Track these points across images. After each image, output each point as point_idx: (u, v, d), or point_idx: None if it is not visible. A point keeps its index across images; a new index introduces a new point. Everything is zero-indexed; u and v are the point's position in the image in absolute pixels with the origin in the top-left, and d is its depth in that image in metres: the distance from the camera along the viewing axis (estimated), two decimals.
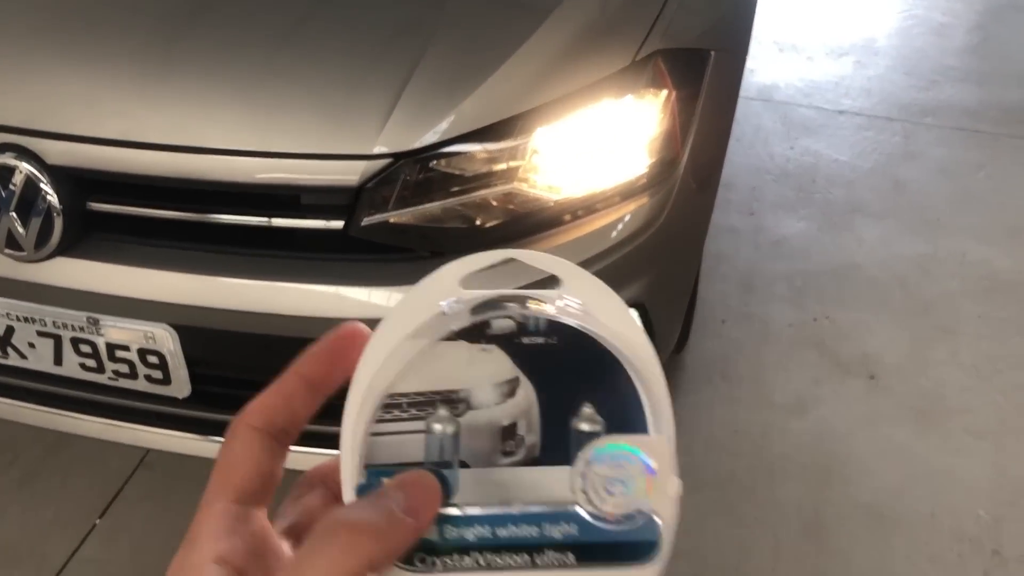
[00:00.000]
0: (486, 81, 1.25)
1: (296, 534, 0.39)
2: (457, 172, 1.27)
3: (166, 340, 1.32)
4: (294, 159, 1.22)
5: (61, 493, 1.76)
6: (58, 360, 1.39)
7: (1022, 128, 2.88)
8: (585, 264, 1.31)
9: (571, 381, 0.37)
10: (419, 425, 0.37)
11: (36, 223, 1.26)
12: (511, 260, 0.40)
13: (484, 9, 1.35)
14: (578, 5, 1.32)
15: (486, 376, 0.37)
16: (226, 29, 1.32)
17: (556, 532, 0.36)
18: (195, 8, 1.35)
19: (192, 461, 1.72)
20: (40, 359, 1.40)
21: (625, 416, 0.37)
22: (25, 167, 1.24)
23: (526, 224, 1.32)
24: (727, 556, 1.66)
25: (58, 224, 1.26)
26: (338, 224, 1.25)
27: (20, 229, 1.26)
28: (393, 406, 0.37)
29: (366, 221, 1.25)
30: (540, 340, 0.37)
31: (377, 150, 1.21)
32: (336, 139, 1.22)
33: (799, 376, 2.02)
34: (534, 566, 0.35)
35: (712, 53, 1.42)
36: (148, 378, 1.37)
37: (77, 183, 1.26)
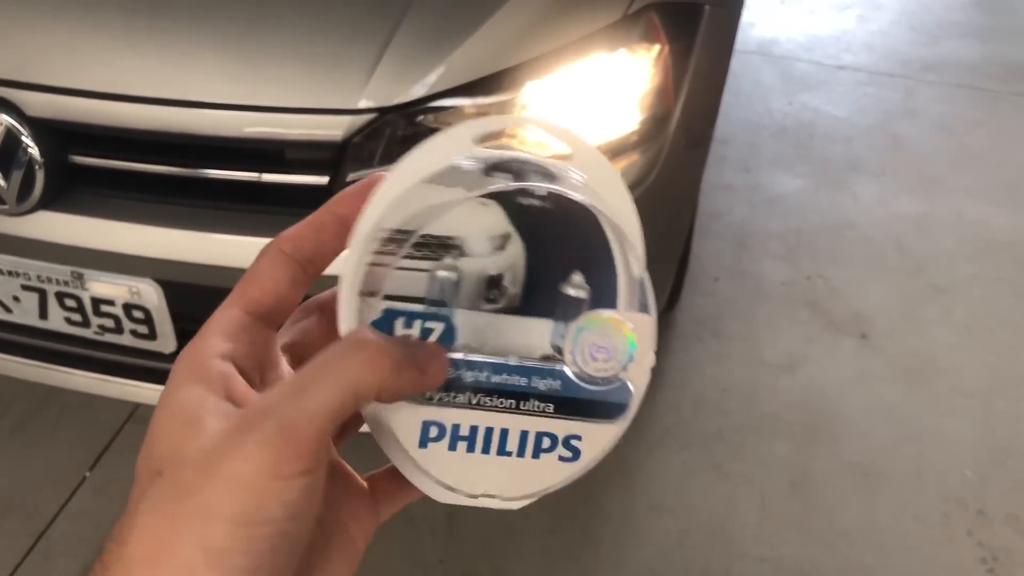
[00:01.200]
0: (474, 34, 1.23)
1: (294, 352, 0.41)
2: (445, 127, 1.25)
3: (151, 295, 1.31)
4: (278, 113, 1.20)
5: (51, 445, 1.76)
6: (43, 314, 1.39)
7: (1020, 85, 2.85)
8: None
9: (563, 248, 0.40)
10: (420, 264, 0.39)
11: (17, 176, 1.24)
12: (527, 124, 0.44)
13: None
14: None
15: (482, 228, 0.40)
16: None
17: (542, 385, 0.39)
18: None
19: None
20: (25, 313, 1.39)
21: (611, 291, 0.40)
22: (4, 119, 1.22)
23: None
24: (714, 513, 1.67)
25: (40, 177, 1.24)
26: (323, 180, 1.24)
27: (1, 182, 1.24)
28: (393, 241, 0.38)
29: (351, 176, 1.23)
30: (538, 203, 0.39)
31: (362, 104, 1.19)
32: (320, 93, 1.19)
33: (790, 334, 2.02)
34: (518, 410, 0.39)
35: (707, 7, 1.39)
36: (134, 333, 1.37)
37: (59, 136, 1.24)
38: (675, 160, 1.39)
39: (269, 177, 1.25)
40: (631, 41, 1.30)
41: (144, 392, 1.47)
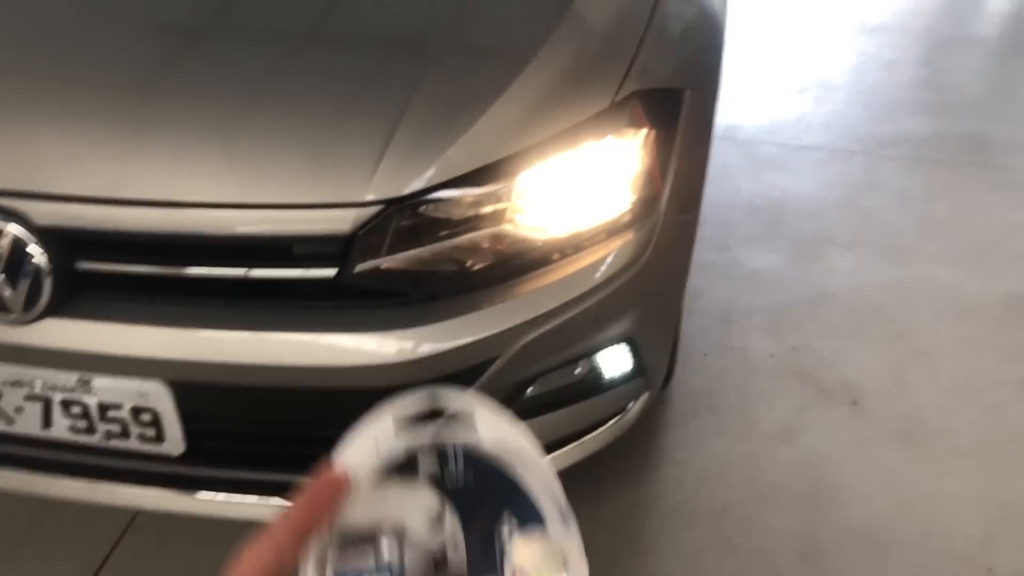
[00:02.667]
0: (471, 127, 1.27)
1: None
2: (445, 216, 1.28)
3: (160, 397, 1.31)
4: (285, 210, 1.22)
5: (49, 562, 1.72)
6: (47, 423, 1.38)
7: (976, 156, 2.97)
8: (575, 302, 1.33)
9: (491, 501, 0.47)
10: (370, 559, 0.46)
11: (24, 285, 1.25)
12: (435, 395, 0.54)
13: (466, 57, 1.38)
14: (556, 51, 1.36)
15: (417, 511, 0.46)
16: (203, 80, 1.33)
17: None
18: (168, 60, 1.36)
19: (183, 521, 1.71)
20: (28, 423, 1.38)
21: (533, 518, 0.46)
22: (12, 229, 1.23)
23: (515, 265, 1.33)
24: None
25: (47, 285, 1.25)
26: (330, 272, 1.26)
27: (8, 292, 1.25)
28: (345, 543, 0.45)
29: (359, 268, 1.26)
30: (459, 472, 0.46)
31: (369, 197, 1.22)
32: (328, 188, 1.23)
33: (784, 405, 2.04)
34: None
35: (686, 91, 1.46)
36: (141, 437, 1.36)
37: (64, 242, 1.25)
38: (667, 237, 1.43)
39: (277, 272, 1.27)
40: (619, 128, 1.35)
41: (150, 497, 1.45)
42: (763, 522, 1.78)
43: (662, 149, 1.41)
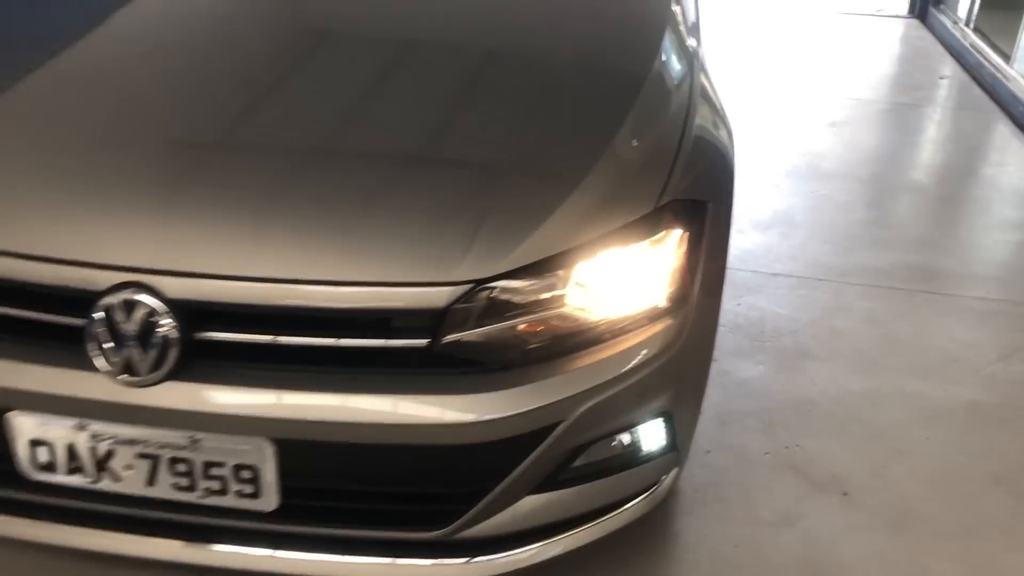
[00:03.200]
0: (541, 225, 1.51)
1: None
2: (518, 299, 1.50)
3: (263, 453, 1.46)
4: (392, 287, 1.43)
5: None
6: (151, 481, 1.52)
7: (929, 285, 3.30)
8: (625, 375, 1.54)
9: None
10: None
11: (153, 352, 1.42)
12: None
13: (536, 167, 1.63)
14: (609, 165, 1.62)
15: None
16: (320, 177, 1.56)
17: None
18: (296, 159, 1.60)
19: None
20: (133, 482, 1.52)
21: None
22: (148, 301, 1.42)
23: (571, 343, 1.55)
24: None
25: (173, 352, 1.43)
26: (423, 342, 1.46)
27: (138, 357, 1.42)
28: None
29: (447, 339, 1.46)
30: None
31: (461, 278, 1.44)
32: (428, 269, 1.44)
33: (782, 495, 2.24)
34: None
35: (709, 203, 1.72)
36: (238, 493, 1.51)
37: (190, 314, 1.44)
38: (697, 322, 1.66)
39: (376, 342, 1.46)
40: (659, 229, 1.60)
41: (240, 556, 1.58)
42: None
43: (692, 249, 1.66)
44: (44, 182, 1.55)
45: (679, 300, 1.62)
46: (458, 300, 1.44)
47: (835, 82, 5.74)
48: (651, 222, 1.59)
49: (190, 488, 1.51)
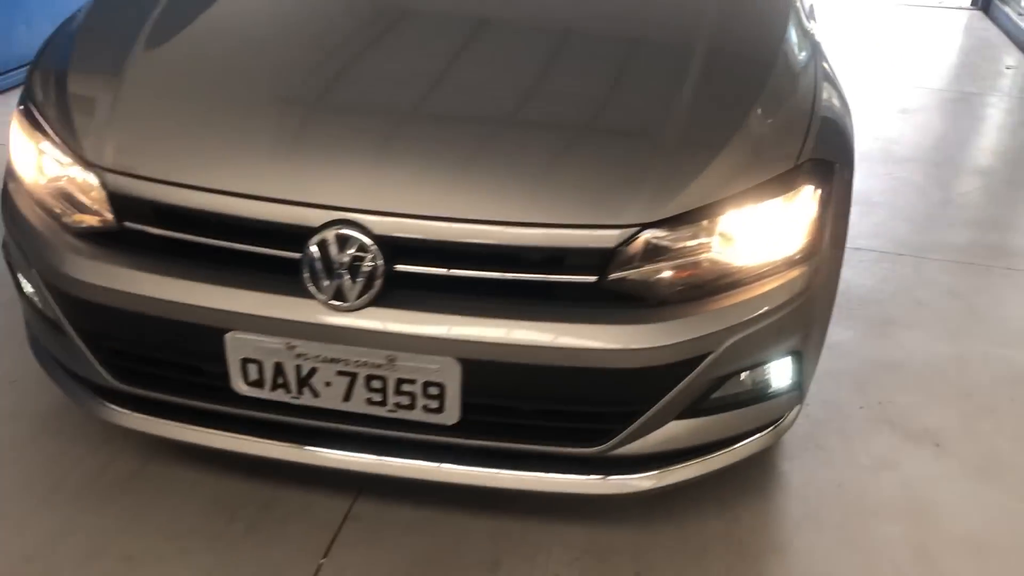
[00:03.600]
0: (697, 178, 1.71)
1: None
2: (675, 243, 1.69)
3: (450, 372, 1.67)
4: (571, 229, 1.63)
5: (280, 547, 2.01)
6: (347, 397, 1.73)
7: (1005, 261, 3.44)
8: (765, 315, 1.73)
9: None
10: None
11: (360, 281, 1.64)
12: None
13: (690, 130, 1.81)
14: (755, 126, 1.81)
15: None
16: (514, 139, 1.78)
17: None
18: (485, 125, 1.81)
19: (396, 512, 2.03)
20: (331, 397, 1.74)
21: None
22: (359, 236, 1.63)
23: (719, 284, 1.73)
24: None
25: (377, 282, 1.64)
26: (592, 278, 1.66)
27: (349, 285, 1.64)
28: None
29: (612, 276, 1.66)
30: None
31: (629, 221, 1.64)
32: (602, 213, 1.64)
33: (878, 444, 2.41)
34: None
35: (836, 164, 1.90)
36: (425, 408, 1.71)
37: (393, 249, 1.65)
38: (825, 272, 1.85)
39: (552, 277, 1.67)
40: (797, 184, 1.78)
41: (423, 469, 1.80)
42: (878, 530, 2.13)
43: (822, 205, 1.84)
44: (264, 132, 1.78)
45: (812, 250, 1.80)
46: (625, 242, 1.64)
47: (903, 71, 5.85)
48: (790, 179, 1.77)
49: (382, 403, 1.72)
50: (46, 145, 1.85)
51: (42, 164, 1.86)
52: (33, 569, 1.93)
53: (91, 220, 1.79)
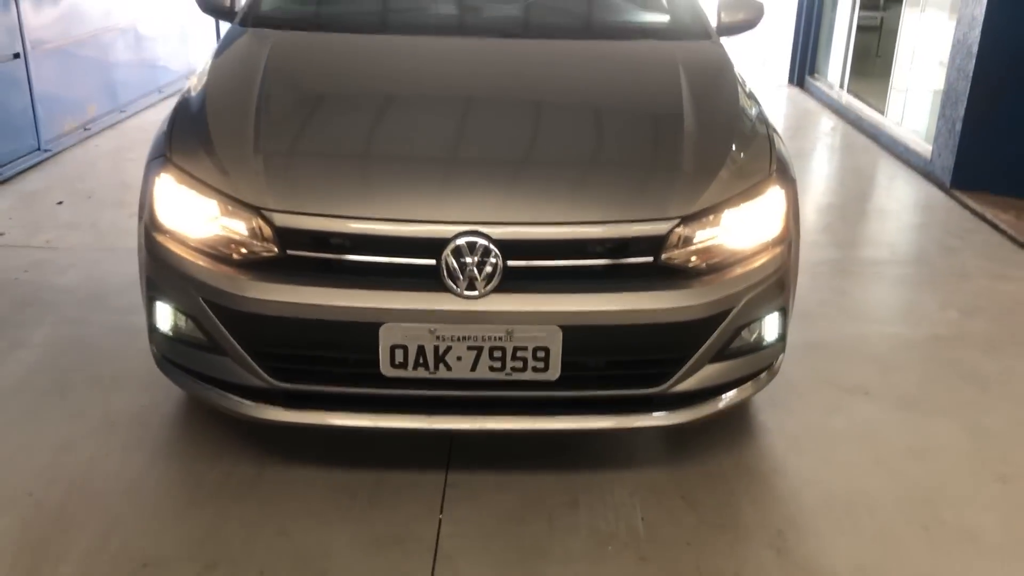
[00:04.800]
0: (710, 185, 2.38)
1: None
2: (701, 229, 2.36)
3: (554, 337, 2.24)
4: (638, 223, 2.27)
5: (401, 506, 2.48)
6: (474, 367, 2.27)
7: (871, 267, 4.33)
8: (765, 279, 2.40)
9: None
10: None
11: (486, 274, 2.21)
12: None
13: (697, 161, 2.47)
14: (738, 153, 2.52)
15: None
16: (586, 166, 2.45)
17: None
18: (561, 159, 2.46)
19: (484, 477, 2.56)
20: (461, 369, 2.27)
21: None
22: (483, 241, 2.20)
23: (732, 260, 2.40)
24: None
25: (498, 274, 2.21)
26: (650, 259, 2.30)
27: (477, 279, 2.20)
28: None
29: (664, 256, 2.31)
30: None
31: (672, 214, 2.29)
32: (653, 210, 2.29)
33: (825, 398, 3.12)
34: None
35: (794, 178, 2.64)
36: (534, 368, 2.27)
37: (507, 249, 2.22)
38: (793, 249, 2.56)
39: (622, 260, 2.29)
40: (771, 187, 2.49)
41: (533, 421, 2.35)
42: (843, 448, 2.82)
43: (788, 201, 2.55)
44: (401, 170, 2.38)
45: (785, 234, 2.51)
46: (672, 229, 2.29)
47: None
48: (766, 184, 2.49)
49: (501, 368, 2.27)
50: (207, 198, 2.32)
51: (201, 213, 2.33)
52: (207, 549, 2.31)
53: (257, 252, 2.27)
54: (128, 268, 3.94)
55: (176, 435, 2.80)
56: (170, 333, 2.45)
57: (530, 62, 2.98)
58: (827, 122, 7.66)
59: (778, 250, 2.48)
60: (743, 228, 2.42)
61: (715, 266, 2.38)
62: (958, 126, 5.48)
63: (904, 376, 3.31)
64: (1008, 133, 5.34)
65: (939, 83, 5.89)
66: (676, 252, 2.33)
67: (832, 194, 5.65)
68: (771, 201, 2.48)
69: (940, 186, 5.63)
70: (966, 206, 5.27)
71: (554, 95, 2.82)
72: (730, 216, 2.40)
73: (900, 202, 5.47)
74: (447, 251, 2.20)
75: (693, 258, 2.35)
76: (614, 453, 2.78)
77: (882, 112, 7.02)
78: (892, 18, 9.30)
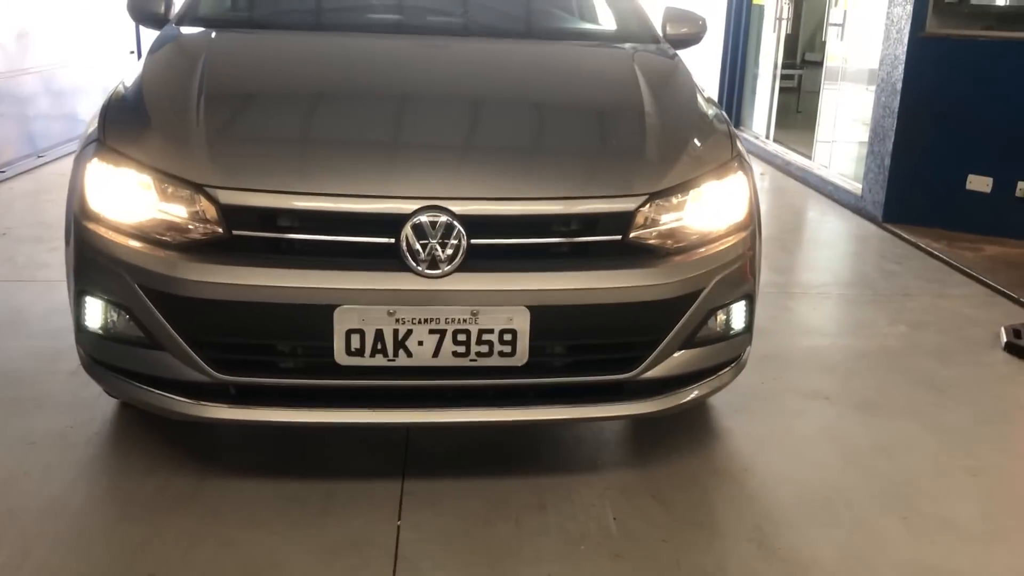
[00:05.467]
0: (676, 164, 2.32)
1: None
2: (670, 208, 2.28)
3: (521, 319, 2.12)
4: (605, 200, 2.19)
5: (356, 514, 2.29)
6: (436, 352, 2.13)
7: (814, 288, 4.33)
8: (733, 261, 2.34)
9: None
10: None
11: (449, 251, 2.08)
12: None
13: (666, 141, 2.41)
14: (703, 136, 2.48)
15: None
16: (554, 140, 2.42)
17: None
18: (528, 135, 2.39)
19: (442, 484, 2.41)
20: (422, 355, 2.13)
21: None
22: (444, 218, 2.09)
23: (700, 240, 2.33)
24: None
25: (462, 251, 2.09)
26: (618, 236, 2.21)
27: (441, 255, 2.08)
28: None
29: (632, 235, 2.22)
30: None
31: (640, 191, 2.22)
32: (623, 186, 2.21)
33: (786, 403, 3.06)
34: None
35: (748, 163, 2.60)
36: (500, 353, 2.14)
37: (470, 225, 2.10)
38: (758, 241, 2.50)
39: (590, 238, 2.20)
40: (734, 170, 2.44)
41: (499, 413, 2.21)
42: (810, 449, 2.74)
43: (751, 186, 2.50)
44: (353, 142, 2.28)
45: (750, 220, 2.46)
46: (639, 207, 2.21)
47: None
48: (729, 166, 2.44)
49: (465, 354, 2.13)
50: (145, 179, 2.16)
51: (138, 195, 2.17)
52: (141, 562, 2.08)
53: (199, 233, 2.11)
54: (48, 297, 3.74)
55: (104, 452, 2.57)
56: (100, 332, 2.25)
57: (484, 58, 2.91)
58: (756, 167, 7.79)
59: (743, 235, 2.43)
60: (709, 209, 2.36)
61: (683, 248, 2.31)
62: (887, 161, 5.61)
63: (862, 382, 3.27)
64: (936, 167, 5.48)
65: (863, 136, 6.07)
66: (644, 231, 2.24)
67: (768, 227, 5.65)
68: (735, 185, 2.44)
69: (872, 220, 5.74)
70: (900, 236, 5.36)
71: (512, 83, 2.75)
72: (696, 196, 2.33)
73: (836, 234, 5.55)
74: (407, 227, 2.08)
75: (661, 238, 2.27)
76: (577, 456, 2.65)
77: (810, 158, 7.19)
78: (809, 78, 9.74)
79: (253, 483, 2.42)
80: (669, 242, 2.28)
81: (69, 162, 2.46)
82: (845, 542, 2.29)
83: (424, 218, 2.08)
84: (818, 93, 7.09)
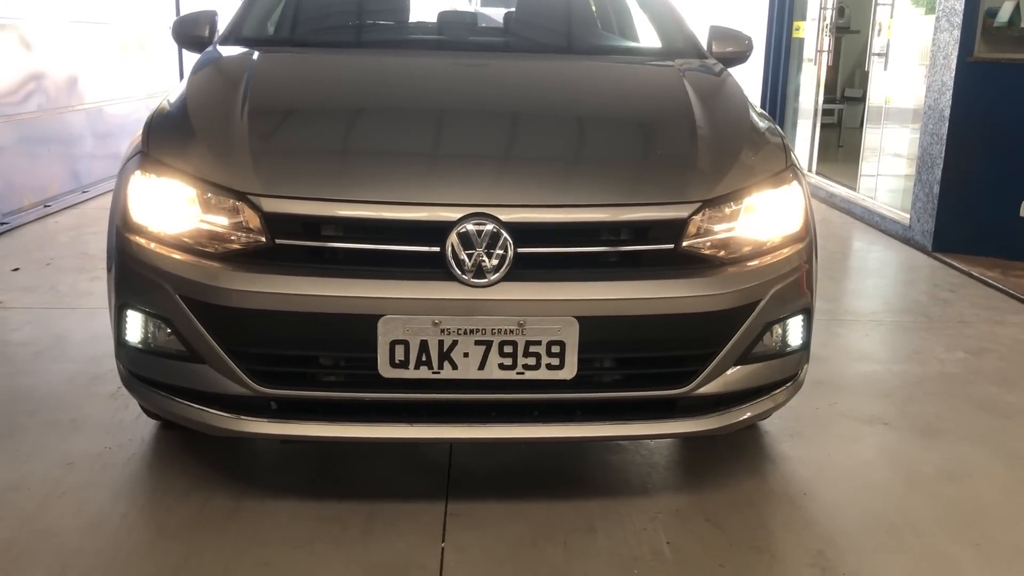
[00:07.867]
0: (731, 170, 2.25)
1: None
2: (721, 216, 2.20)
3: (570, 330, 2.04)
4: (656, 205, 2.11)
5: (399, 536, 2.21)
6: (482, 365, 2.05)
7: (853, 315, 4.20)
8: (790, 272, 2.24)
9: None
10: None
11: (495, 260, 2.02)
12: None
13: (720, 150, 2.34)
14: (754, 146, 2.40)
15: None
16: (608, 150, 2.36)
17: None
18: (579, 147, 2.33)
19: (487, 507, 2.31)
20: (468, 367, 2.05)
21: None
22: (491, 225, 2.02)
23: (747, 254, 2.24)
24: None
25: (508, 260, 2.02)
26: (670, 246, 2.13)
27: (486, 265, 2.01)
28: None
29: (685, 243, 2.14)
30: None
31: (694, 198, 2.14)
32: (677, 194, 2.14)
33: (842, 429, 2.93)
34: None
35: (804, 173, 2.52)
36: (548, 366, 2.06)
37: (517, 233, 2.04)
38: (815, 255, 2.41)
39: (642, 247, 2.12)
40: (789, 179, 2.35)
41: (545, 431, 2.13)
42: (871, 475, 2.61)
43: (806, 195, 2.41)
44: (398, 149, 2.25)
45: (806, 231, 2.36)
46: (692, 214, 2.14)
47: None
48: (784, 175, 2.35)
49: (512, 366, 2.05)
50: (188, 189, 2.13)
51: (181, 205, 2.13)
52: None
53: (242, 243, 2.07)
54: (89, 324, 3.73)
55: (142, 473, 2.51)
56: (140, 345, 2.21)
57: (528, 73, 2.87)
58: None
59: (799, 247, 2.33)
60: (764, 219, 2.27)
61: (737, 258, 2.22)
62: (936, 189, 5.49)
63: (921, 408, 3.13)
64: (986, 194, 5.34)
65: (909, 166, 5.95)
66: (697, 240, 2.16)
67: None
68: (790, 195, 2.35)
69: (921, 249, 5.60)
70: (951, 266, 5.21)
71: (557, 95, 2.70)
72: (750, 205, 2.25)
73: (884, 263, 5.42)
74: (452, 235, 2.02)
75: (714, 248, 2.19)
76: (626, 479, 2.55)
77: (854, 189, 7.07)
78: (850, 114, 9.65)
79: (292, 503, 2.35)
80: (723, 252, 2.20)
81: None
82: (914, 569, 2.16)
83: (470, 226, 2.02)
84: (858, 129, 7.00)
